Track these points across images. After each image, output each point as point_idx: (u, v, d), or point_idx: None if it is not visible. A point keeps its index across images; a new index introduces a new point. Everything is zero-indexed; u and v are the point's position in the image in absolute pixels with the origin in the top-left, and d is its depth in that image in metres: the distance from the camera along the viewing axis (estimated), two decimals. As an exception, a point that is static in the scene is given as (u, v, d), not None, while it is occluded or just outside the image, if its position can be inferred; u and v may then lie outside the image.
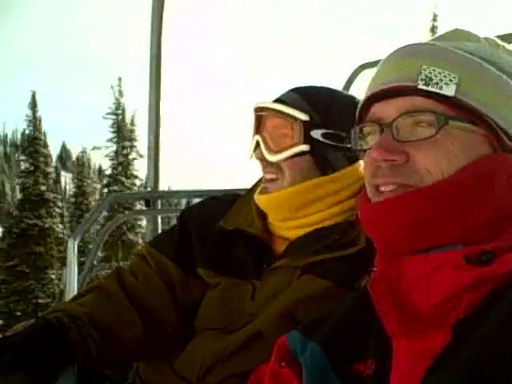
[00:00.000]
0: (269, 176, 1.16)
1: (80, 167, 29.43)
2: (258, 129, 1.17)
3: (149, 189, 2.45)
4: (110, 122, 20.07)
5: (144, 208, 2.50)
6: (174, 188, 7.03)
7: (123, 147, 19.61)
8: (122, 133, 19.80)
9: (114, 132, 20.05)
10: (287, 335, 0.83)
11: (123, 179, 18.96)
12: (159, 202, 2.50)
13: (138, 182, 19.18)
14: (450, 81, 0.67)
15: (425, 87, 0.68)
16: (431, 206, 0.66)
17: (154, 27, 2.27)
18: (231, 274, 1.16)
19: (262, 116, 1.17)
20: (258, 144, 1.16)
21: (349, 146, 1.13)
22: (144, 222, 14.44)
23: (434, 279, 0.65)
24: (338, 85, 2.58)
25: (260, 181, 1.22)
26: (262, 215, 1.19)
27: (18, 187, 26.56)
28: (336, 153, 1.13)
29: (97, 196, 27.13)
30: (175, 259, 1.23)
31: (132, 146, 19.66)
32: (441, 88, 0.67)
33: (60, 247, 18.58)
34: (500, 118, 0.68)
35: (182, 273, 1.22)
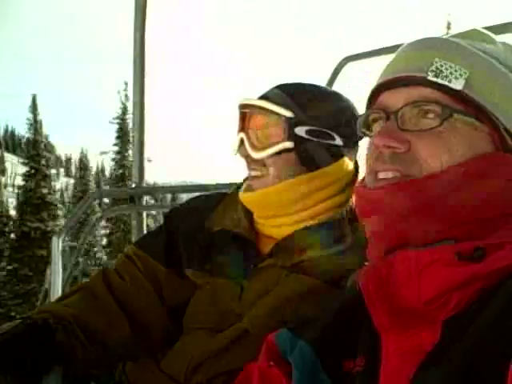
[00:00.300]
0: (253, 173, 1.15)
1: (82, 171, 30.34)
2: (243, 126, 1.17)
3: (133, 185, 2.43)
4: (116, 126, 20.53)
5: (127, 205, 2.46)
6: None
7: (126, 150, 19.88)
8: (127, 137, 19.98)
9: (118, 138, 20.52)
10: (276, 334, 0.83)
11: (129, 183, 18.94)
12: (145, 198, 2.48)
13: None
14: (460, 75, 0.68)
15: (434, 79, 0.68)
16: (421, 197, 0.66)
17: (137, 26, 2.25)
18: (219, 275, 1.15)
19: (246, 113, 1.16)
20: (242, 141, 1.15)
21: (333, 142, 1.14)
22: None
23: (426, 275, 0.65)
24: (323, 77, 2.60)
25: (247, 179, 1.21)
26: (250, 214, 1.18)
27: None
28: (320, 149, 1.13)
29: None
30: (162, 260, 1.23)
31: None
32: (450, 81, 0.67)
33: (63, 250, 18.55)
34: (506, 119, 0.68)
35: (169, 273, 1.22)
